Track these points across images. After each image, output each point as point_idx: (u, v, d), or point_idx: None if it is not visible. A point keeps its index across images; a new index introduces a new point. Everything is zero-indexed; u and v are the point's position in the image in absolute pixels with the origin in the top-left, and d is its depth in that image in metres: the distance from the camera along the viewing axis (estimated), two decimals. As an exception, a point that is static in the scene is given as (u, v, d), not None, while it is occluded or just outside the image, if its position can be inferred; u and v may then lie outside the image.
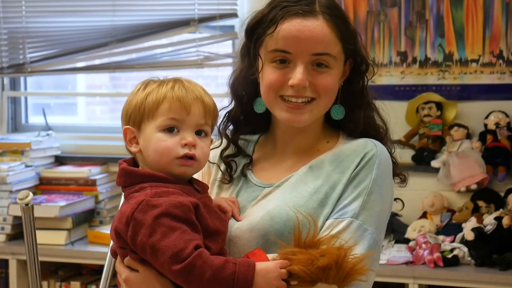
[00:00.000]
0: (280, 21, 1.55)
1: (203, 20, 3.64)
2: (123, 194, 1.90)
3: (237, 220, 1.57)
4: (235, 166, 1.69)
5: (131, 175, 1.50)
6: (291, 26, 1.55)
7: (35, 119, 4.05)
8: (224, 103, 1.71)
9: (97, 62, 3.88)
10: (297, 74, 1.54)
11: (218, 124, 1.69)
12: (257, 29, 1.60)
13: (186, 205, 1.42)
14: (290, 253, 1.41)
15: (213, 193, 1.68)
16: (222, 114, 1.70)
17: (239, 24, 3.59)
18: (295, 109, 1.57)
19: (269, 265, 1.40)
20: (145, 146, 1.50)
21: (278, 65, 1.57)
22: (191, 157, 1.49)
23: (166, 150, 1.48)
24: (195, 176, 1.57)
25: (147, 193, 1.44)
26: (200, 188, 1.53)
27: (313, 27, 1.55)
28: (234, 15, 3.59)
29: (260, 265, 1.40)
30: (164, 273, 1.41)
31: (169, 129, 1.48)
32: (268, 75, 1.58)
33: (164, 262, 1.38)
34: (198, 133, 1.51)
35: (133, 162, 1.56)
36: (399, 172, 1.67)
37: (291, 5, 1.57)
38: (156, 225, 1.39)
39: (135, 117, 1.51)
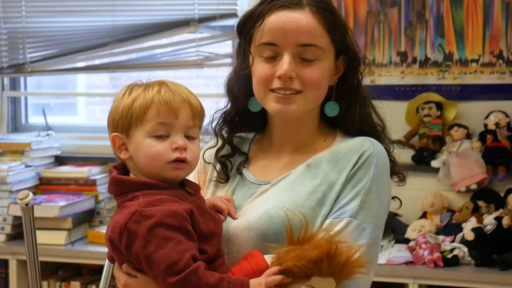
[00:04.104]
0: (266, 14, 1.57)
1: (203, 20, 3.64)
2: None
3: (234, 218, 1.57)
4: (231, 166, 1.69)
5: (123, 183, 1.48)
6: (276, 18, 1.56)
7: (35, 119, 4.05)
8: (222, 104, 1.71)
9: (97, 62, 3.88)
10: (284, 65, 1.55)
11: (213, 124, 1.70)
12: (247, 24, 1.62)
13: (180, 213, 1.40)
14: (283, 252, 1.41)
15: (209, 192, 1.67)
16: (218, 115, 1.70)
17: (239, 24, 3.60)
18: (283, 99, 1.57)
19: (262, 280, 1.39)
20: (135, 153, 1.48)
21: (266, 59, 1.58)
22: (182, 160, 1.47)
23: (157, 155, 1.46)
24: (188, 176, 1.56)
25: (140, 203, 1.42)
26: (192, 190, 1.52)
27: (298, 18, 1.56)
28: (234, 15, 3.59)
29: (254, 282, 1.39)
30: (158, 284, 1.40)
31: (159, 135, 1.47)
32: (257, 69, 1.59)
33: (159, 274, 1.37)
34: (187, 136, 1.49)
35: (123, 167, 1.54)
36: (397, 171, 1.67)
37: None
38: (151, 236, 1.38)
39: (123, 124, 1.49)
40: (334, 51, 1.61)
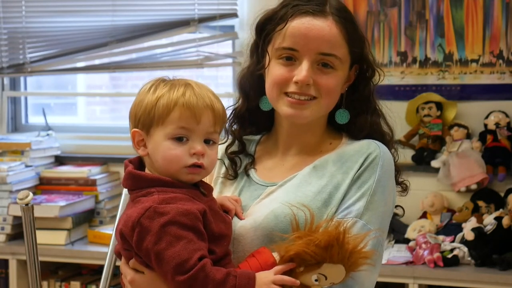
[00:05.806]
0: (290, 19, 1.58)
1: (203, 20, 3.63)
2: (124, 193, 1.90)
3: (240, 219, 1.58)
4: (240, 162, 1.70)
5: (138, 178, 1.49)
6: (300, 24, 1.57)
7: (35, 119, 4.05)
8: (226, 103, 1.71)
9: (97, 62, 3.88)
10: (302, 71, 1.56)
11: None
12: (267, 25, 1.62)
13: (193, 213, 1.41)
14: (291, 241, 1.41)
15: (215, 190, 1.67)
16: (229, 111, 1.70)
17: (239, 24, 3.60)
18: (297, 104, 1.58)
19: (268, 275, 1.40)
20: (154, 152, 1.49)
21: (284, 62, 1.59)
22: (199, 166, 1.48)
23: (175, 158, 1.47)
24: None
25: (155, 199, 1.43)
26: (206, 191, 1.53)
27: (322, 26, 1.56)
28: (234, 15, 3.59)
29: (260, 275, 1.40)
30: (166, 281, 1.41)
31: (178, 138, 1.47)
32: (274, 71, 1.59)
33: (168, 271, 1.38)
34: (207, 141, 1.50)
35: (139, 162, 1.55)
36: (401, 181, 1.68)
37: (302, 4, 1.59)
38: (163, 233, 1.38)
39: (144, 121, 1.49)
40: (350, 61, 1.62)
